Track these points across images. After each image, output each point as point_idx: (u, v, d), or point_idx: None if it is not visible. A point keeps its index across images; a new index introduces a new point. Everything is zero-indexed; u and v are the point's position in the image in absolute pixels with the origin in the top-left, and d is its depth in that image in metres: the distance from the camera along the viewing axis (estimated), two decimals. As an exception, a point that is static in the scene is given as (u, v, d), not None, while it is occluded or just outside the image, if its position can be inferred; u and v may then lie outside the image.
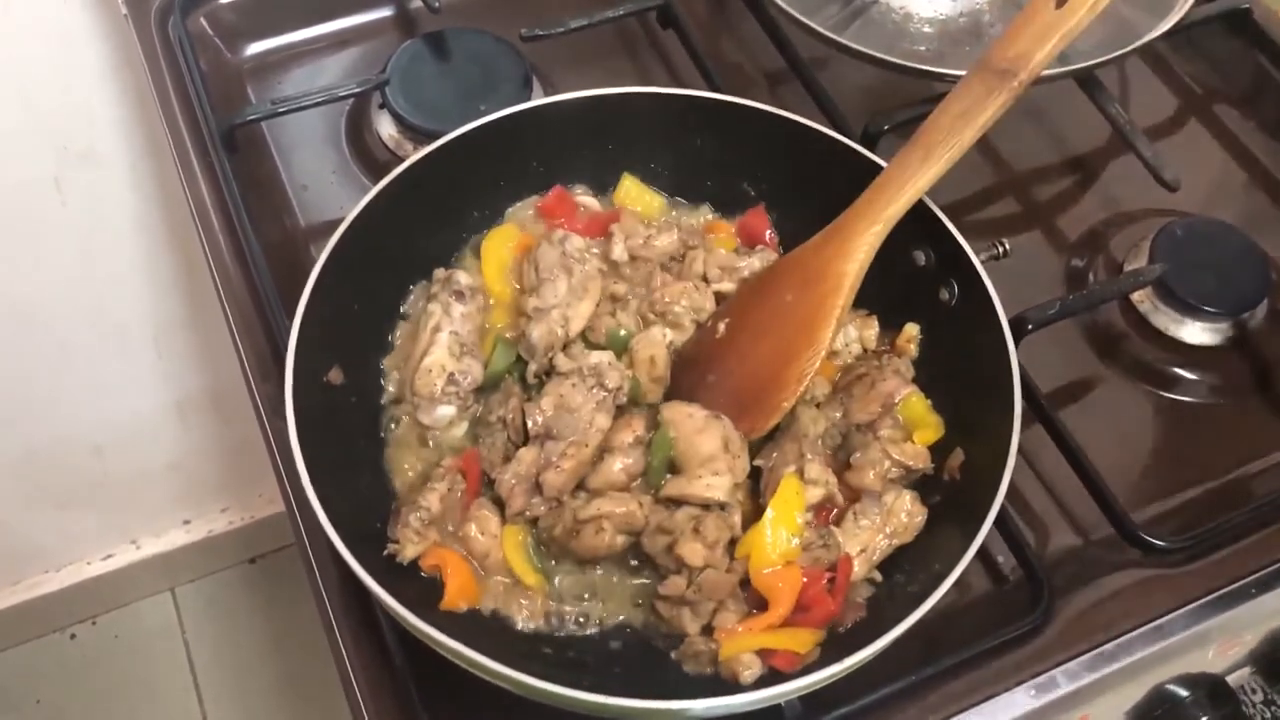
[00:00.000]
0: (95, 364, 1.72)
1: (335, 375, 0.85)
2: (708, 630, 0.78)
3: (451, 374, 0.86)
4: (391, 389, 0.89)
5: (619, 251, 0.93)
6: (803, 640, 0.76)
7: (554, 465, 0.82)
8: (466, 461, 0.85)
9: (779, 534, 0.79)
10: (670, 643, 0.80)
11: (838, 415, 0.87)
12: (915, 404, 0.86)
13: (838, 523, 0.82)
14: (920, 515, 0.82)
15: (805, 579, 0.78)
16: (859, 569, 0.80)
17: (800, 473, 0.82)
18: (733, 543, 0.81)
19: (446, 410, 0.87)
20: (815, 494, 0.82)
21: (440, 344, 0.87)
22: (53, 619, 2.10)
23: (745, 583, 0.79)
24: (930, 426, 0.86)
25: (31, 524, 1.94)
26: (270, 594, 2.17)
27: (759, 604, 0.78)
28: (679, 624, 0.79)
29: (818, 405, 0.87)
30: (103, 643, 2.11)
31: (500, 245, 0.94)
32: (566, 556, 0.83)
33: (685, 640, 0.78)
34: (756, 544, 0.79)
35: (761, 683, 0.71)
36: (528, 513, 0.83)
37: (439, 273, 0.92)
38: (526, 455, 0.84)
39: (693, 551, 0.78)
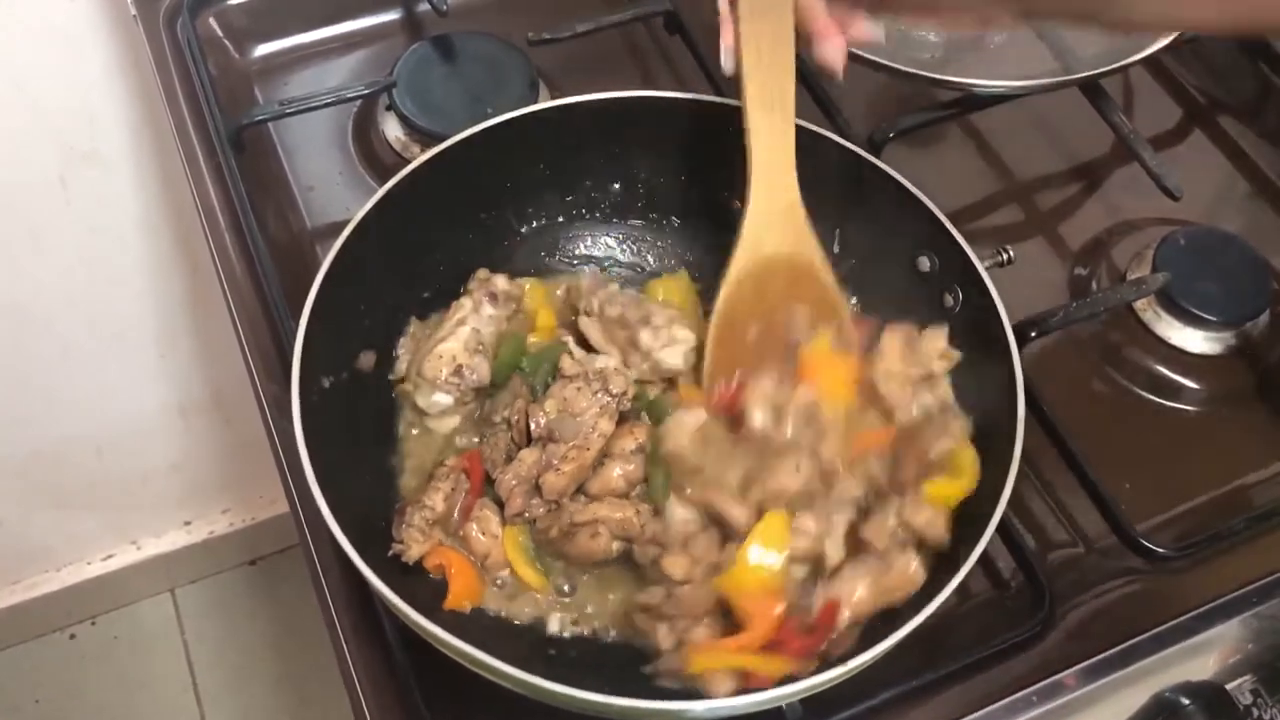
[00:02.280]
0: (97, 364, 1.72)
1: (366, 360, 0.87)
2: (681, 646, 0.77)
3: (460, 366, 0.87)
4: (400, 369, 0.89)
5: None
6: (775, 667, 0.75)
7: (554, 468, 0.83)
8: (470, 461, 0.85)
9: (760, 559, 0.77)
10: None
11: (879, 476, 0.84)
12: (964, 454, 0.83)
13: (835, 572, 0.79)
14: (920, 577, 0.79)
15: (785, 617, 0.76)
16: (847, 615, 0.77)
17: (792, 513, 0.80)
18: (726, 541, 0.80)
19: (443, 399, 0.87)
20: (799, 543, 0.79)
21: (459, 336, 0.88)
22: (53, 619, 2.09)
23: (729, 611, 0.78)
24: (967, 477, 0.82)
25: (32, 523, 1.94)
26: (270, 596, 2.17)
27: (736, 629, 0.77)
28: (653, 636, 0.78)
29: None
30: (103, 643, 2.11)
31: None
32: (563, 559, 0.83)
33: (660, 655, 0.77)
34: (737, 566, 0.77)
35: (763, 685, 0.71)
36: (526, 514, 0.83)
37: (481, 273, 0.93)
38: (528, 456, 0.84)
39: (674, 564, 0.78)
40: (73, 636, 2.12)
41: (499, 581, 0.83)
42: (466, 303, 0.90)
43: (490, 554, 0.82)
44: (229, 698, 2.07)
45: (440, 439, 0.89)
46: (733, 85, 0.86)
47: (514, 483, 0.83)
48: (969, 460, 0.83)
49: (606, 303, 0.92)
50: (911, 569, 0.79)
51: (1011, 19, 0.80)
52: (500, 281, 0.92)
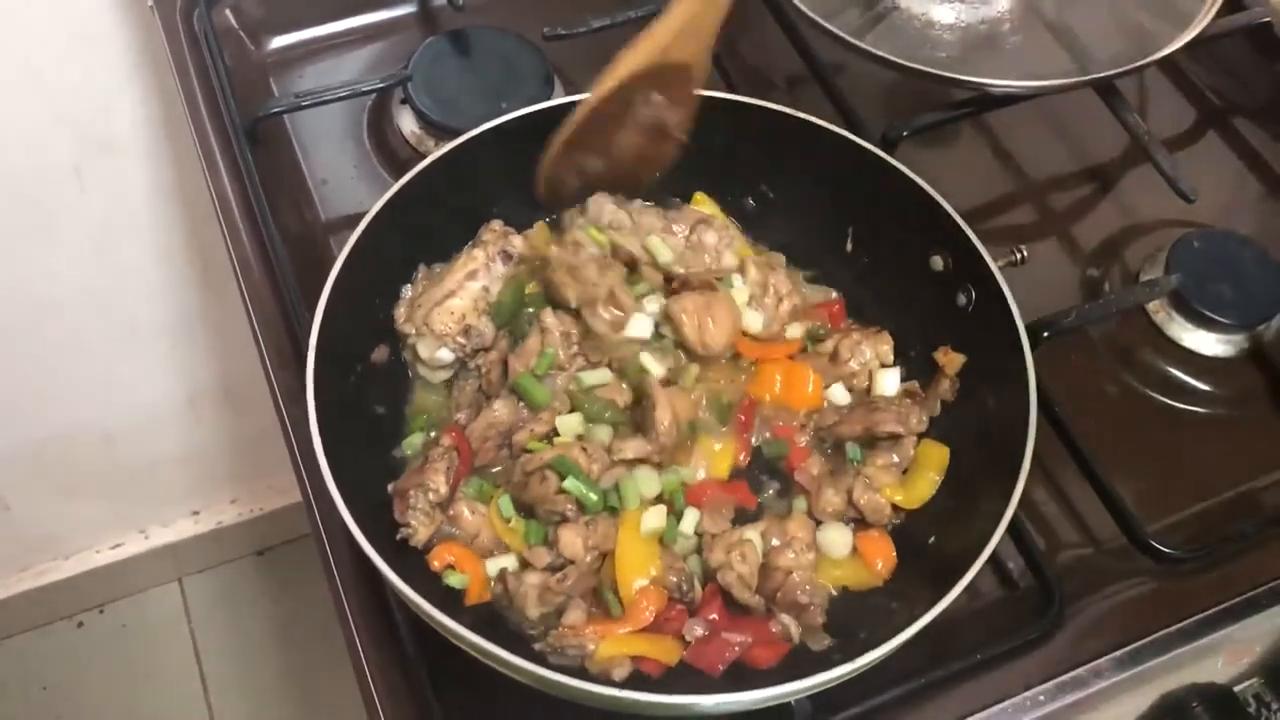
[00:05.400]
0: (108, 353, 1.72)
1: (380, 354, 0.87)
2: (546, 618, 0.79)
3: (468, 326, 0.87)
4: (400, 313, 0.89)
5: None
6: (668, 650, 0.77)
7: (526, 426, 0.84)
8: (459, 437, 0.85)
9: (636, 554, 0.79)
10: None
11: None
12: (932, 452, 0.87)
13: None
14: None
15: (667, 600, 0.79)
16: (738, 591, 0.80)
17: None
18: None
19: (447, 355, 0.88)
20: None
21: (470, 292, 0.88)
22: (61, 606, 2.10)
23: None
24: (928, 479, 0.86)
25: (41, 512, 1.95)
26: (277, 586, 2.18)
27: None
28: (522, 604, 0.79)
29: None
30: (110, 631, 2.12)
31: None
32: (534, 511, 0.83)
33: (554, 632, 0.77)
34: (618, 557, 0.79)
35: (772, 680, 0.72)
36: (497, 466, 0.84)
37: (496, 224, 0.93)
38: (502, 408, 0.85)
39: (570, 543, 0.79)
40: (80, 624, 2.12)
41: (493, 559, 0.82)
42: (479, 255, 0.90)
43: (480, 532, 0.82)
44: (235, 686, 2.08)
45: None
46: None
47: (487, 434, 0.84)
48: (939, 458, 0.86)
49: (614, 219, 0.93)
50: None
51: None
52: (517, 241, 0.92)
